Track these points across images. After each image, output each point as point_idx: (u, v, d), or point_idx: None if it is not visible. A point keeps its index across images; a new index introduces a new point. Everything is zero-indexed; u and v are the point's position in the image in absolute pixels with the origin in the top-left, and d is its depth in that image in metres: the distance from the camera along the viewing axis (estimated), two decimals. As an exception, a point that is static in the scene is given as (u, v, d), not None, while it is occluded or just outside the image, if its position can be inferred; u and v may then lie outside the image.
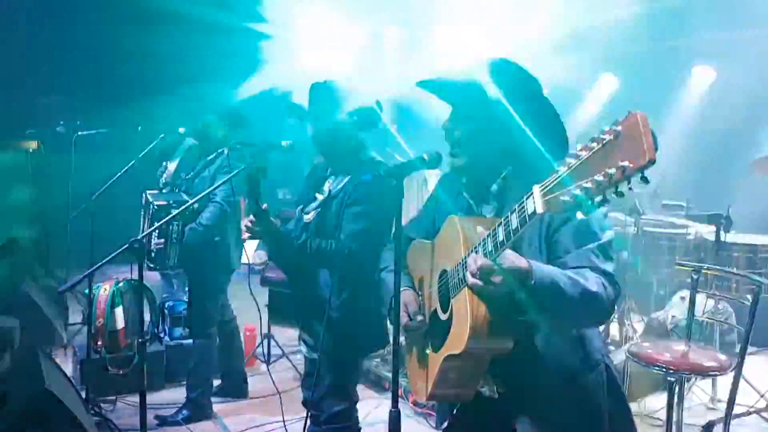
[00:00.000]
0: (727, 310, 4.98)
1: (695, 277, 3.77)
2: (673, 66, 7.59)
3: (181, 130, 4.89)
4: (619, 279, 1.85)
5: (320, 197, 2.96)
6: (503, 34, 8.22)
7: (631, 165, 1.27)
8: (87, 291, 4.07)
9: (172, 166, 5.50)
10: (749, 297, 3.63)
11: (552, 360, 1.90)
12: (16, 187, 7.78)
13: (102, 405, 4.29)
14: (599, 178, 1.32)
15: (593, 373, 1.97)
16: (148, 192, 4.21)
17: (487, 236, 1.69)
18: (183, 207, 3.43)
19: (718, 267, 4.31)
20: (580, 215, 1.39)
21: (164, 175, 5.46)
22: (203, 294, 4.32)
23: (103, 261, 2.72)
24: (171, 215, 3.65)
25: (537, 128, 1.97)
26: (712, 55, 7.26)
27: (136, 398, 4.13)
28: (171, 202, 4.03)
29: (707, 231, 5.29)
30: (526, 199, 1.54)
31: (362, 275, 2.73)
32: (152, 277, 5.87)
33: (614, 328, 5.33)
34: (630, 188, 1.30)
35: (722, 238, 4.93)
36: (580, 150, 1.39)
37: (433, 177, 7.01)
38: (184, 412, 4.29)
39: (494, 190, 2.00)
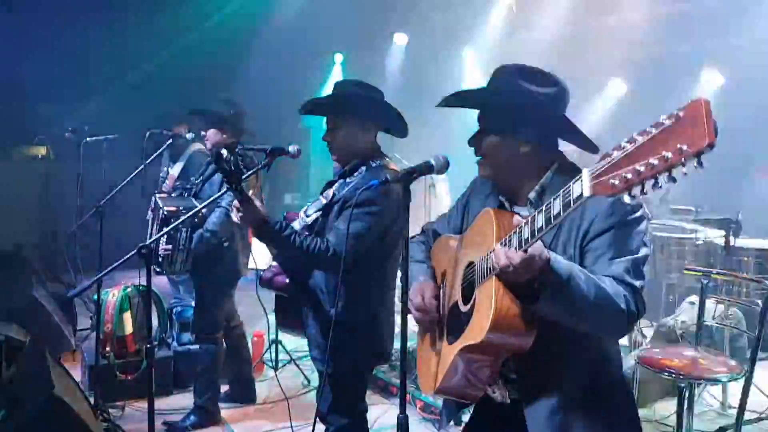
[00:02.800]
0: (737, 315, 4.94)
1: (705, 282, 3.74)
2: (682, 70, 7.56)
3: (189, 135, 4.90)
4: (643, 296, 1.79)
5: (323, 200, 2.92)
6: (511, 37, 8.23)
7: (689, 148, 1.24)
8: (95, 296, 4.09)
9: (174, 170, 5.52)
10: (759, 302, 3.61)
11: (565, 368, 1.88)
12: (25, 192, 7.82)
13: (110, 410, 4.29)
14: (654, 161, 1.28)
15: (610, 386, 1.95)
16: (157, 195, 4.21)
17: (524, 224, 1.63)
18: (189, 213, 3.42)
19: (727, 272, 4.29)
20: (627, 198, 1.34)
21: (167, 181, 5.49)
22: (209, 299, 4.32)
23: (112, 267, 2.72)
24: (178, 221, 3.64)
25: (553, 134, 1.97)
26: (720, 59, 7.23)
27: (144, 404, 4.12)
28: (181, 208, 4.02)
29: (717, 236, 5.27)
30: (573, 183, 1.49)
31: (356, 284, 2.64)
32: (160, 283, 5.88)
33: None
34: (685, 174, 1.26)
35: (732, 243, 4.91)
36: (638, 134, 1.35)
37: (440, 182, 7.02)
38: (192, 418, 4.28)
39: (533, 197, 1.96)
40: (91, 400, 3.87)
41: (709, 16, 7.06)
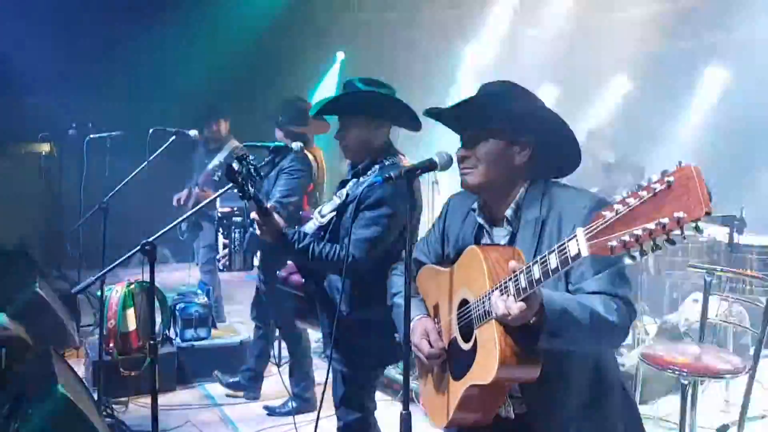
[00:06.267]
0: (741, 313, 4.94)
1: (708, 279, 3.74)
2: (686, 67, 7.54)
3: (192, 132, 4.90)
4: (633, 301, 1.85)
5: (337, 200, 2.94)
6: (514, 36, 8.21)
7: (686, 216, 1.27)
8: (99, 293, 4.10)
9: (211, 165, 5.63)
10: (763, 299, 3.60)
11: (568, 381, 1.90)
12: (29, 189, 7.83)
13: (114, 407, 4.30)
14: (651, 226, 1.32)
15: (610, 392, 1.97)
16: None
17: (520, 273, 1.67)
18: (186, 215, 3.37)
19: (731, 269, 4.28)
20: (628, 260, 1.39)
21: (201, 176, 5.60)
22: (269, 292, 4.35)
23: (115, 263, 2.73)
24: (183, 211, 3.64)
25: (547, 145, 1.98)
26: (725, 55, 7.20)
27: (147, 400, 4.12)
28: (234, 209, 4.14)
29: (720, 233, 5.25)
30: (568, 241, 1.54)
31: (371, 284, 2.68)
32: (163, 279, 5.89)
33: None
34: (684, 238, 1.31)
35: (735, 240, 4.90)
36: (629, 197, 1.39)
37: (444, 178, 7.01)
38: (292, 404, 4.37)
39: (509, 215, 1.99)
40: (95, 396, 3.88)
41: (713, 11, 7.04)
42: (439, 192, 6.89)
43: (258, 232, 2.76)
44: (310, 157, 4.33)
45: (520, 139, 1.97)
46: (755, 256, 4.96)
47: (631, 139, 7.29)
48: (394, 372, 4.79)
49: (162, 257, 9.25)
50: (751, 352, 3.49)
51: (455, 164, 2.15)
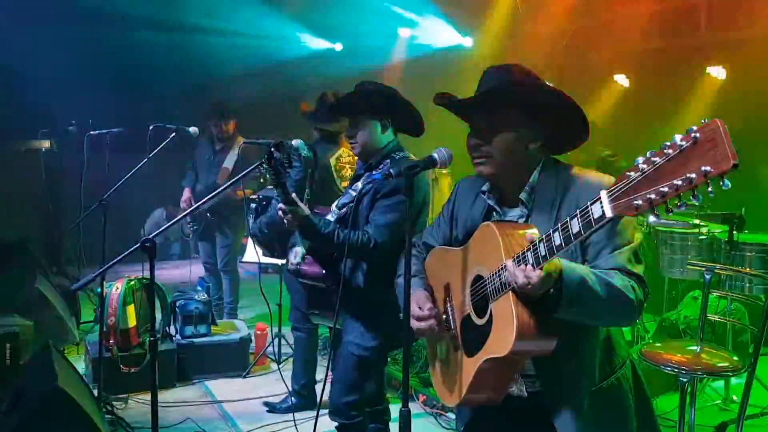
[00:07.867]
0: (740, 310, 4.94)
1: (708, 276, 3.74)
2: (685, 65, 7.52)
3: (193, 129, 4.90)
4: (646, 281, 1.86)
5: (353, 193, 3.05)
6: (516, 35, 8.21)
7: (713, 170, 1.27)
8: (99, 289, 4.10)
9: (229, 163, 5.71)
10: (762, 297, 3.60)
11: (581, 359, 1.92)
12: (29, 185, 7.83)
13: (114, 403, 4.31)
14: (678, 182, 1.32)
15: (620, 370, 2.00)
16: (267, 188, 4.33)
17: (539, 241, 1.68)
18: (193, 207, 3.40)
19: (730, 267, 4.28)
20: (652, 218, 1.40)
21: (219, 175, 5.68)
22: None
23: (115, 260, 2.72)
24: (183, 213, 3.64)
25: (557, 125, 1.98)
26: (724, 55, 7.18)
27: (147, 396, 4.14)
28: (260, 195, 4.19)
29: (720, 231, 5.25)
30: (591, 204, 1.53)
31: (388, 268, 2.72)
32: (163, 276, 5.89)
33: (626, 328, 5.30)
34: (711, 192, 1.30)
35: (735, 238, 4.89)
36: (653, 156, 1.38)
37: (443, 176, 7.02)
38: (292, 400, 4.39)
39: (524, 198, 1.99)
40: (95, 393, 3.89)
41: (713, 10, 7.04)
42: (438, 189, 6.89)
43: (285, 221, 2.85)
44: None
45: (532, 127, 1.97)
46: (755, 254, 4.95)
47: (628, 136, 7.32)
48: (393, 369, 4.80)
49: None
50: (750, 350, 3.49)
51: (454, 163, 2.15)
